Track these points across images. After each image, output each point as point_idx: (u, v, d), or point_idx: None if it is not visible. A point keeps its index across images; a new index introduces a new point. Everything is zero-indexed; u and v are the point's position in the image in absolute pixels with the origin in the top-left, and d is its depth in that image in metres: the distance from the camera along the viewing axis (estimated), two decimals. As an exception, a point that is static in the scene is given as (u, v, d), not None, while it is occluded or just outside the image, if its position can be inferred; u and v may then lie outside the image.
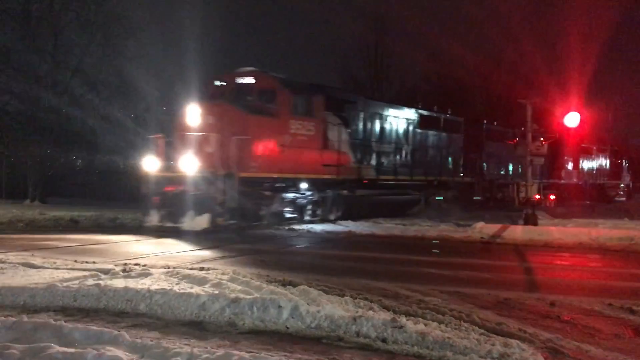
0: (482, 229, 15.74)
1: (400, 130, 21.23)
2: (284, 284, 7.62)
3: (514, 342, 5.09)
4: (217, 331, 5.68)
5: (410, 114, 22.02)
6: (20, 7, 25.58)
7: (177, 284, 7.33)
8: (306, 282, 7.69)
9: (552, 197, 31.10)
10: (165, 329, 5.71)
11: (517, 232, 14.99)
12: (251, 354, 4.52)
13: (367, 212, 18.94)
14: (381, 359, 4.91)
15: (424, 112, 22.84)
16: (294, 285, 7.46)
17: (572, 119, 16.74)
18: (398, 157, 21.00)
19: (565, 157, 31.59)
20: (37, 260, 9.01)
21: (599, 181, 36.78)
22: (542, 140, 17.52)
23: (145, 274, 7.89)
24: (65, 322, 5.34)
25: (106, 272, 8.16)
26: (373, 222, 17.89)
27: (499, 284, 8.44)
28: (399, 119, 21.26)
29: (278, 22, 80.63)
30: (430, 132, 22.93)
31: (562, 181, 31.55)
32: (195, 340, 5.26)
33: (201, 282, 7.42)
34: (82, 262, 9.09)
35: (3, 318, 5.33)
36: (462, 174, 24.78)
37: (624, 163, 44.19)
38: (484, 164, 26.37)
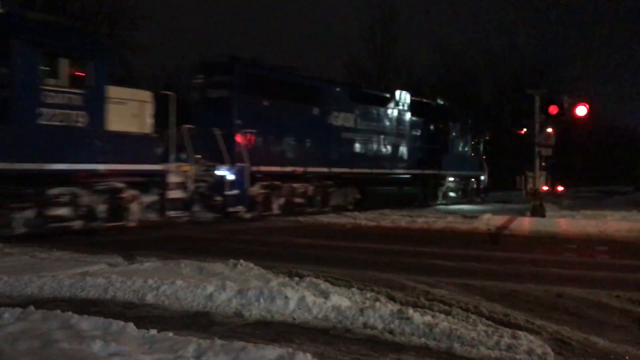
0: (489, 220, 15.73)
1: None
2: (290, 275, 7.63)
3: (521, 333, 5.07)
4: (224, 322, 5.68)
5: None
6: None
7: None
8: (313, 273, 7.70)
9: (561, 187, 30.63)
10: (172, 320, 5.73)
11: (525, 224, 14.96)
12: (258, 345, 4.51)
13: None
14: (388, 350, 4.90)
15: None
16: (301, 276, 7.47)
17: (581, 110, 16.75)
18: None
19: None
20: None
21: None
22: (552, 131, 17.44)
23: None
24: (72, 312, 5.35)
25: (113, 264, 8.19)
26: (379, 214, 17.88)
27: (506, 275, 8.41)
28: None
29: (282, 12, 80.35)
30: None
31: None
32: (202, 331, 5.27)
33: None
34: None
35: (11, 309, 5.35)
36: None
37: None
38: None
